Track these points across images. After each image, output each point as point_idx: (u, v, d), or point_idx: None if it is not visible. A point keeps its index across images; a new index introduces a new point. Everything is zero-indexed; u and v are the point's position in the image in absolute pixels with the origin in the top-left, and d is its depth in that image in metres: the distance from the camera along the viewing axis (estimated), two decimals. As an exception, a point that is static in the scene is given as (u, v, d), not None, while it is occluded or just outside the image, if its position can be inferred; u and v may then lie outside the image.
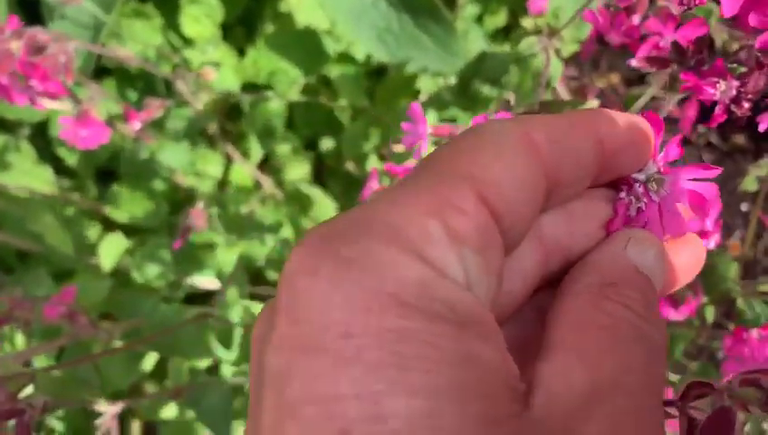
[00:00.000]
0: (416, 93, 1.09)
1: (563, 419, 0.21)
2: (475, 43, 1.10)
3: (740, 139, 1.24)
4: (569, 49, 0.88)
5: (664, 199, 0.28)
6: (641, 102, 0.67)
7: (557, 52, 0.61)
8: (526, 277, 0.27)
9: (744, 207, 1.18)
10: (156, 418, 1.01)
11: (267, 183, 1.16)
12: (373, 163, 1.10)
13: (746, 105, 0.40)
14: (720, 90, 0.40)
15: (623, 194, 0.28)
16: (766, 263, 1.08)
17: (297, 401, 0.20)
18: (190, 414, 0.98)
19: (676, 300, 0.71)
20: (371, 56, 1.08)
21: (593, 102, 0.53)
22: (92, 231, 1.12)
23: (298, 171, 1.18)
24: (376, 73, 1.20)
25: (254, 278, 1.09)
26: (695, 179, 0.28)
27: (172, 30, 1.16)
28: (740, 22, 0.37)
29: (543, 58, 0.59)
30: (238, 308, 0.82)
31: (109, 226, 1.14)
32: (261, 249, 1.07)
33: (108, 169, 1.19)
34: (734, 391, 0.26)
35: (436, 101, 0.82)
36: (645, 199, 0.27)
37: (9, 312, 0.83)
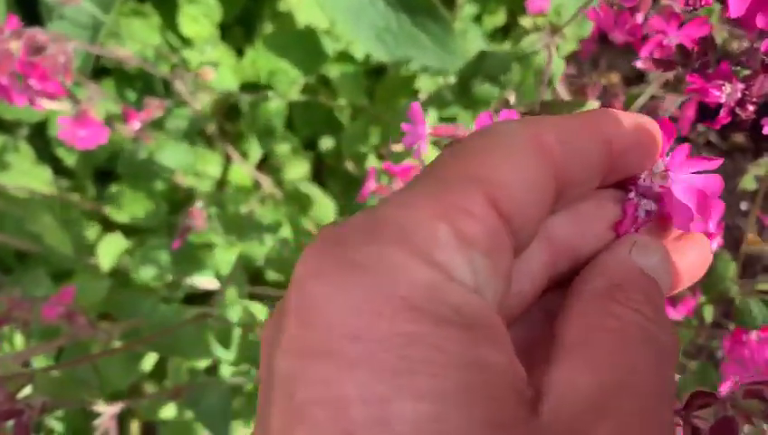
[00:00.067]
0: (415, 93, 1.09)
1: (571, 423, 0.21)
2: (474, 42, 1.10)
3: (739, 138, 1.24)
4: (568, 48, 0.88)
5: (669, 194, 0.28)
6: (641, 101, 0.67)
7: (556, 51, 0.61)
8: (535, 278, 0.27)
9: (743, 206, 1.18)
10: (155, 418, 1.01)
11: (266, 183, 1.16)
12: (372, 163, 1.10)
13: (751, 108, 0.40)
14: (726, 92, 0.40)
15: (632, 194, 0.28)
16: (766, 261, 1.08)
17: (306, 403, 0.20)
18: (189, 414, 0.98)
19: (674, 299, 0.71)
20: (371, 55, 1.08)
21: (594, 102, 0.53)
22: (91, 231, 1.12)
23: (297, 171, 1.18)
24: (375, 73, 1.20)
25: (253, 278, 1.08)
26: (698, 172, 0.28)
27: (170, 30, 1.16)
28: (745, 23, 0.37)
29: (545, 56, 0.59)
30: (237, 308, 0.82)
31: (108, 226, 1.14)
32: (260, 249, 1.07)
33: (106, 170, 1.19)
34: (737, 401, 0.26)
35: (437, 100, 0.82)
36: (654, 189, 0.27)
37: (8, 312, 0.83)
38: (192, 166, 1.12)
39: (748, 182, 0.89)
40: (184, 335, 0.82)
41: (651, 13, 0.49)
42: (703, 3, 0.38)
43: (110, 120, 0.95)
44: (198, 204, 0.94)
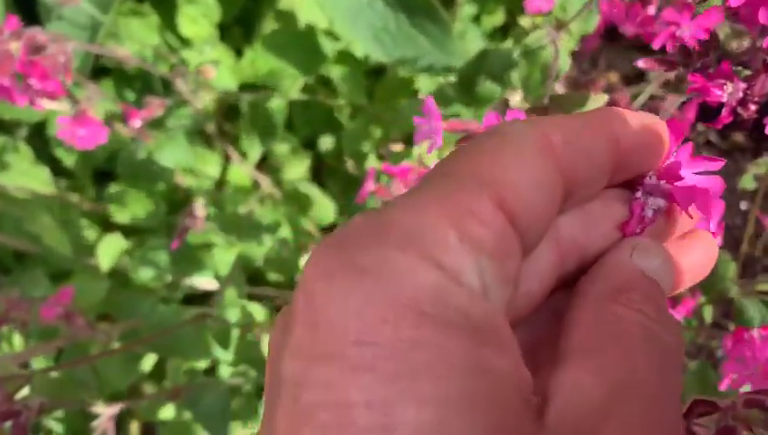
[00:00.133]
0: (415, 92, 1.09)
1: (576, 425, 0.21)
2: (473, 42, 1.10)
3: (739, 137, 1.24)
4: (568, 47, 0.88)
5: (678, 188, 0.28)
6: (640, 100, 0.67)
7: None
8: (543, 278, 0.27)
9: (743, 205, 1.18)
10: (154, 419, 1.01)
11: (265, 182, 1.16)
12: (372, 162, 1.10)
13: (753, 108, 0.40)
14: (727, 92, 0.40)
15: (638, 193, 0.28)
16: (765, 261, 1.08)
17: (310, 406, 0.20)
18: (188, 415, 0.98)
19: (673, 300, 0.71)
20: (370, 55, 1.08)
21: (602, 96, 0.53)
22: (90, 232, 1.12)
23: (297, 171, 1.18)
24: (375, 72, 1.20)
25: (252, 278, 1.08)
26: (700, 173, 0.28)
27: (169, 30, 1.16)
28: (746, 18, 0.37)
29: (552, 51, 0.59)
30: (236, 309, 0.82)
31: (107, 226, 1.14)
32: (259, 249, 1.07)
33: (106, 170, 1.18)
34: (738, 411, 0.26)
35: (439, 98, 0.82)
36: (662, 187, 0.27)
37: (6, 313, 0.82)
38: (191, 166, 1.12)
39: (747, 182, 0.89)
40: (183, 336, 0.82)
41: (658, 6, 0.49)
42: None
43: (109, 121, 0.95)
44: (197, 204, 0.94)
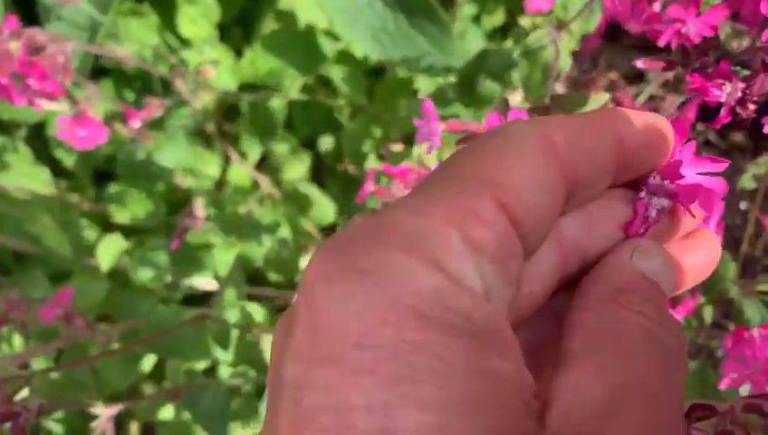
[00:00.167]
0: (415, 92, 1.08)
1: (579, 427, 0.21)
2: (473, 42, 1.10)
3: (738, 137, 1.24)
4: (569, 47, 0.88)
5: (683, 186, 0.27)
6: (640, 100, 0.67)
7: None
8: (545, 280, 0.27)
9: (742, 205, 1.18)
10: (154, 419, 1.01)
11: (265, 183, 1.15)
12: (372, 162, 1.10)
13: (752, 107, 0.40)
14: (726, 91, 0.40)
15: (642, 193, 0.27)
16: (765, 261, 1.08)
17: (311, 409, 0.20)
18: (188, 415, 0.98)
19: (673, 301, 0.71)
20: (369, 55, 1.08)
21: (604, 94, 0.52)
22: (90, 232, 1.12)
23: (296, 171, 1.18)
24: (375, 72, 1.20)
25: (252, 279, 1.08)
26: (703, 173, 0.28)
27: (169, 30, 1.16)
28: (748, 18, 0.37)
29: (552, 51, 0.59)
30: (235, 309, 0.82)
31: (106, 227, 1.14)
32: (258, 249, 1.07)
33: (105, 171, 1.18)
34: (736, 416, 0.26)
35: (439, 98, 0.82)
36: (666, 187, 0.27)
37: (6, 314, 0.82)
38: (191, 166, 1.12)
39: (747, 181, 0.89)
40: (182, 337, 0.82)
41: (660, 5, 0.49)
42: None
43: (108, 121, 0.95)
44: (197, 204, 0.94)
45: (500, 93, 0.76)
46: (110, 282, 1.02)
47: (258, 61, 1.15)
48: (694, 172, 0.28)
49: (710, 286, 0.67)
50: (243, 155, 1.17)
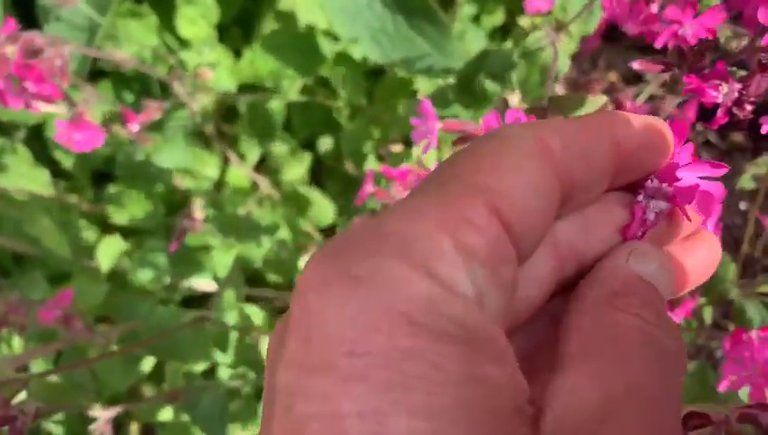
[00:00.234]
0: (414, 93, 1.08)
1: (575, 432, 0.21)
2: (473, 42, 1.10)
3: (738, 137, 1.24)
4: (567, 48, 0.88)
5: (680, 189, 0.27)
6: (640, 100, 0.67)
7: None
8: (542, 284, 0.27)
9: (742, 205, 1.17)
10: (154, 421, 1.01)
11: (264, 184, 1.15)
12: (371, 163, 1.10)
13: (748, 108, 0.40)
14: (722, 92, 0.40)
15: (640, 196, 0.27)
16: (765, 262, 1.08)
17: (304, 417, 0.20)
18: (187, 417, 0.98)
19: (673, 302, 0.71)
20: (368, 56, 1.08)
21: (601, 97, 0.52)
22: (89, 233, 1.12)
23: (295, 172, 1.18)
24: (374, 74, 1.20)
25: (251, 280, 1.08)
26: (703, 178, 0.28)
27: (168, 31, 1.16)
28: (749, 20, 0.37)
29: (551, 52, 0.59)
30: (234, 311, 0.82)
31: (106, 228, 1.14)
32: (258, 251, 1.07)
33: (104, 172, 1.18)
34: (731, 426, 0.26)
35: (438, 99, 0.82)
36: (665, 189, 0.27)
37: (5, 316, 0.82)
38: (189, 167, 1.12)
39: (746, 182, 0.89)
40: (182, 338, 0.82)
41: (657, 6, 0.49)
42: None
43: (107, 122, 0.95)
44: (196, 205, 0.94)
45: (499, 94, 0.76)
46: (109, 283, 1.02)
47: (257, 61, 1.15)
48: (693, 176, 0.28)
49: (710, 288, 0.67)
50: (242, 156, 1.16)
